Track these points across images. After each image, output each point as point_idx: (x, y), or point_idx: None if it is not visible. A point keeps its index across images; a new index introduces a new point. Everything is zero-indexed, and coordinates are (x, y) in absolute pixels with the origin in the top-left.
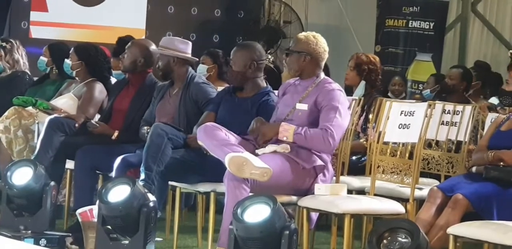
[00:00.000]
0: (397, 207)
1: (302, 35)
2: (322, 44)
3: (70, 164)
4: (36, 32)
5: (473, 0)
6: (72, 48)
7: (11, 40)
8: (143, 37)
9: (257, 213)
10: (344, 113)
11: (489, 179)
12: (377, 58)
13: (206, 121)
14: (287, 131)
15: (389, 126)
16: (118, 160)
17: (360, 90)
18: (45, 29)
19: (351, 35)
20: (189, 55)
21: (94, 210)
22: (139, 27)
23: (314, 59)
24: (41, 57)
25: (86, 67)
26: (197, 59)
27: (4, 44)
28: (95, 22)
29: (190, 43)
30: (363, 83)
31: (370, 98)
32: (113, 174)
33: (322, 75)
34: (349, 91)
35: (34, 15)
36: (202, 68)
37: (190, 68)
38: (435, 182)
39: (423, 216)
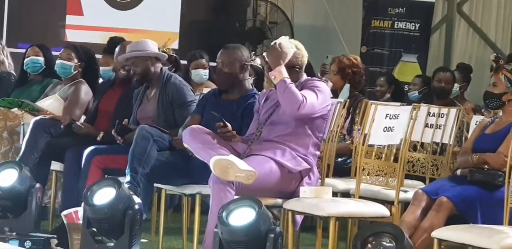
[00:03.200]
0: (382, 210)
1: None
2: (304, 52)
3: (55, 166)
4: (71, 36)
5: (459, 1)
6: (69, 49)
7: None
8: (177, 40)
9: (242, 217)
10: (321, 99)
11: (474, 182)
12: (359, 59)
13: (192, 123)
14: (279, 73)
15: (374, 129)
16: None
17: (344, 93)
18: (81, 33)
19: (337, 36)
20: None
21: (79, 211)
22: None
23: (301, 69)
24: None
25: (84, 68)
26: (167, 56)
27: None
28: (129, 26)
29: (155, 43)
30: (347, 86)
31: (355, 100)
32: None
33: (304, 76)
34: (333, 93)
35: (70, 19)
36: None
37: (164, 67)
38: (420, 184)
39: (408, 219)
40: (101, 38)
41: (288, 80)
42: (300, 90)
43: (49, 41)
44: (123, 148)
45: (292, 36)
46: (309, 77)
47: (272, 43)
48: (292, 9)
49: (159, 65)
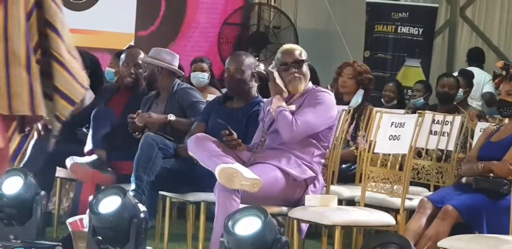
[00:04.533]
0: (387, 219)
1: (294, 49)
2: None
3: (60, 172)
4: None
5: (462, 5)
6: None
7: None
8: (132, 41)
9: (248, 226)
10: (321, 112)
11: (479, 190)
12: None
13: (197, 131)
14: (277, 103)
15: (380, 137)
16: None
17: (357, 98)
18: None
19: (340, 40)
20: (175, 67)
21: (84, 219)
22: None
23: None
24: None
25: (89, 75)
26: (183, 73)
27: None
28: (84, 27)
29: (178, 56)
30: (361, 91)
31: (360, 107)
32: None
33: (310, 83)
34: (345, 97)
35: None
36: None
37: (176, 80)
38: (425, 191)
39: (413, 227)
40: None
41: (280, 108)
42: (303, 103)
43: None
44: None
45: (296, 41)
46: (315, 87)
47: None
48: (295, 14)
49: (171, 77)
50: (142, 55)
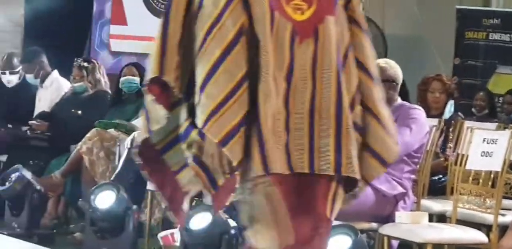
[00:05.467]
0: (479, 237)
1: (383, 62)
2: (398, 70)
3: (150, 186)
4: (115, 45)
5: None
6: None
7: (92, 60)
8: None
9: (339, 244)
10: (416, 131)
11: None
12: None
13: None
14: None
15: (471, 153)
16: None
17: (450, 108)
18: (124, 42)
19: (429, 48)
20: None
21: (175, 233)
22: None
23: (397, 84)
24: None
25: None
26: None
27: (85, 64)
28: None
29: None
30: (451, 102)
31: (451, 118)
32: None
33: (399, 99)
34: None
35: (114, 29)
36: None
37: None
38: None
39: (506, 244)
40: (145, 48)
41: None
42: (395, 120)
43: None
44: None
45: (385, 48)
46: (405, 103)
47: None
48: (383, 19)
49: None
50: None
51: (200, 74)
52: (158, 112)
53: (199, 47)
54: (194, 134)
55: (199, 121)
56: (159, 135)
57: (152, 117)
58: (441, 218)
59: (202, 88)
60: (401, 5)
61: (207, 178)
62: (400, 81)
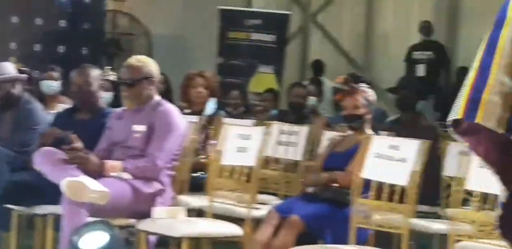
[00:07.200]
0: (234, 230)
1: (136, 61)
2: (154, 67)
3: None
4: None
5: (313, 11)
6: None
7: None
8: None
9: (95, 240)
10: (174, 138)
11: (324, 200)
12: None
13: (44, 141)
14: (114, 168)
15: (227, 149)
16: None
17: (211, 106)
18: None
19: (193, 47)
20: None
21: None
22: None
23: (154, 81)
24: None
25: None
26: (27, 76)
27: None
28: None
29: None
30: (214, 100)
31: (210, 116)
32: None
33: (156, 97)
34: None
35: None
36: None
37: (24, 95)
38: (273, 198)
39: (260, 237)
40: None
41: (127, 165)
42: (154, 119)
43: None
44: None
45: (150, 47)
46: (162, 102)
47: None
48: (150, 19)
49: (19, 87)
50: None
51: None
52: None
53: None
54: None
55: None
56: None
57: None
58: (200, 213)
59: None
60: (167, 5)
61: None
62: (157, 76)
